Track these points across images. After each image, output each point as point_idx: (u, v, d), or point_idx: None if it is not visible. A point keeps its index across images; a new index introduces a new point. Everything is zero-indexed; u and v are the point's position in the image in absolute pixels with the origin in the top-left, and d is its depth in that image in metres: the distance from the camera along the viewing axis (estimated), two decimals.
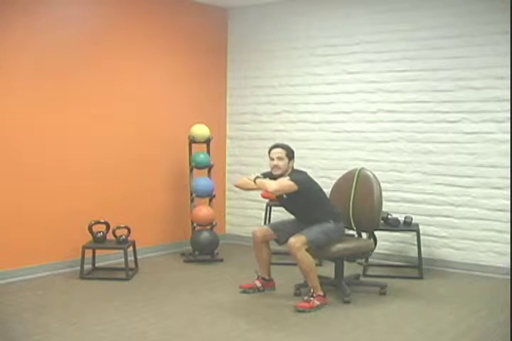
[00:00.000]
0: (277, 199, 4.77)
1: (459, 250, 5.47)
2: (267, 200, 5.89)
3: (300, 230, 4.44)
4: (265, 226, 4.82)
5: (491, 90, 5.24)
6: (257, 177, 4.52)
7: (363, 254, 4.79)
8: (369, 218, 4.65)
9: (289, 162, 4.54)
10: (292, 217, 4.76)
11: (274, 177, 4.54)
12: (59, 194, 5.27)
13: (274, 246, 4.88)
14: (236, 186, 4.77)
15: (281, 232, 4.63)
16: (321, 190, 4.59)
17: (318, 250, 4.42)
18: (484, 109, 5.29)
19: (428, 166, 5.58)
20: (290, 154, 4.56)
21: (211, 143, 6.06)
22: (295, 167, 4.64)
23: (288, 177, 4.43)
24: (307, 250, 4.33)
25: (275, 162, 4.52)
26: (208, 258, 5.80)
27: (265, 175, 4.63)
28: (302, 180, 4.46)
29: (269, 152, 4.59)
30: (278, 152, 4.53)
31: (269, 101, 6.50)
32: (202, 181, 5.87)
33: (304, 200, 4.48)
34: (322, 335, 3.81)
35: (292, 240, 4.32)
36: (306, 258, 4.32)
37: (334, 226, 4.49)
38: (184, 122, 6.11)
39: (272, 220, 5.83)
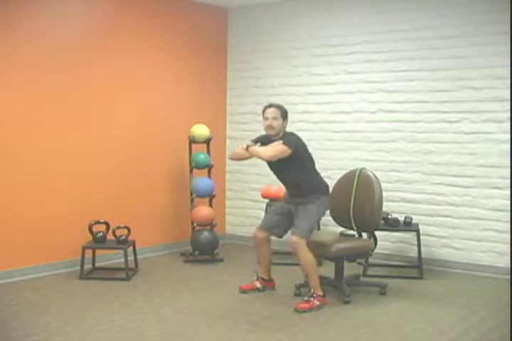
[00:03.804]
0: (268, 165, 4.60)
1: (459, 250, 5.47)
2: (267, 200, 5.89)
3: (289, 218, 4.46)
4: (261, 227, 4.75)
5: (491, 90, 5.24)
6: (249, 145, 4.45)
7: (363, 254, 4.79)
8: (369, 218, 4.64)
9: (283, 122, 4.46)
10: (277, 205, 4.67)
11: (265, 143, 4.47)
12: (59, 194, 5.27)
13: (274, 246, 4.89)
14: (230, 158, 4.71)
15: (276, 228, 4.63)
16: (311, 156, 4.52)
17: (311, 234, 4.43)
18: (484, 109, 5.28)
19: (428, 166, 5.58)
20: (284, 114, 4.48)
21: (211, 143, 6.06)
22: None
23: (281, 141, 4.35)
24: (307, 245, 4.32)
25: (269, 122, 4.44)
26: (208, 258, 5.80)
27: (257, 141, 4.57)
28: (295, 142, 4.38)
29: (264, 111, 4.51)
30: (273, 111, 4.45)
31: (269, 101, 6.44)
32: (202, 181, 5.87)
33: (294, 165, 4.41)
34: (322, 335, 3.81)
35: (293, 239, 4.31)
36: (308, 257, 4.33)
37: (318, 205, 4.44)
38: (184, 122, 6.12)
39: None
